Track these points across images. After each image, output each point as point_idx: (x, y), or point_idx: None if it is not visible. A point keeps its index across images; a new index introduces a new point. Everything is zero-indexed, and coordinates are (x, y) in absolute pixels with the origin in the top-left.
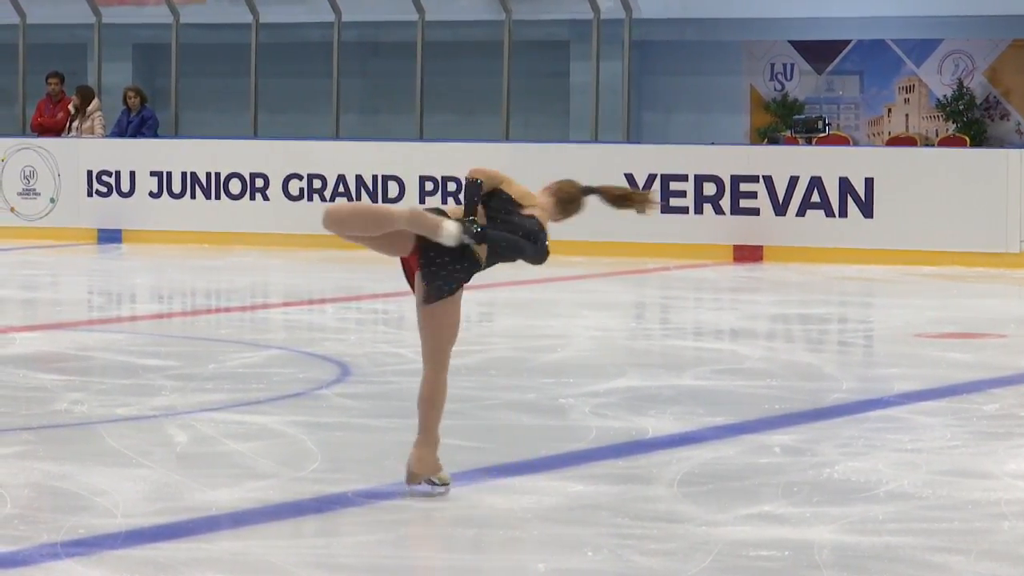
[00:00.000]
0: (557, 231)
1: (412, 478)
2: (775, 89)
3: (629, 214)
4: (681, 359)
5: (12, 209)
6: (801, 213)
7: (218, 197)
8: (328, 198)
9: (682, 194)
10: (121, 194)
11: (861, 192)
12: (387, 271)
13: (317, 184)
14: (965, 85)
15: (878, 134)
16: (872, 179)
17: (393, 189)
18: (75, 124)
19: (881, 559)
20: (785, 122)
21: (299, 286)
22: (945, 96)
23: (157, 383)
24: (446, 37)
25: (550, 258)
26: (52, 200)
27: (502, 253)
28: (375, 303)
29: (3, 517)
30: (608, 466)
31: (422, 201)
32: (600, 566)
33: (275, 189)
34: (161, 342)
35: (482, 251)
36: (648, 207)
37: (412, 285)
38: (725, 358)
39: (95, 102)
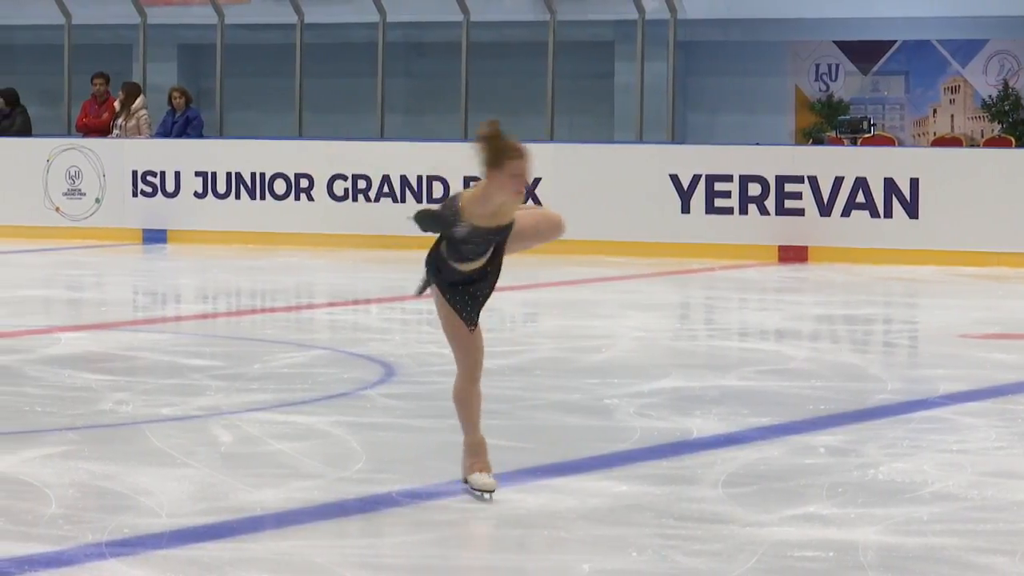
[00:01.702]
0: (601, 232)
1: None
2: (820, 89)
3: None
4: (726, 360)
5: (57, 209)
6: (846, 214)
7: (263, 197)
8: (373, 198)
9: (727, 195)
10: (166, 194)
11: (906, 193)
12: None
13: (362, 184)
14: (1011, 85)
15: (923, 134)
16: (917, 180)
17: (437, 189)
18: (119, 121)
19: (925, 560)
20: (830, 122)
21: (344, 286)
22: (990, 96)
23: (202, 383)
24: (491, 38)
25: (595, 258)
26: (97, 200)
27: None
28: (419, 303)
29: (48, 517)
30: (652, 466)
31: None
32: (644, 567)
33: (320, 189)
34: (206, 342)
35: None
36: None
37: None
38: (770, 359)
39: (140, 99)
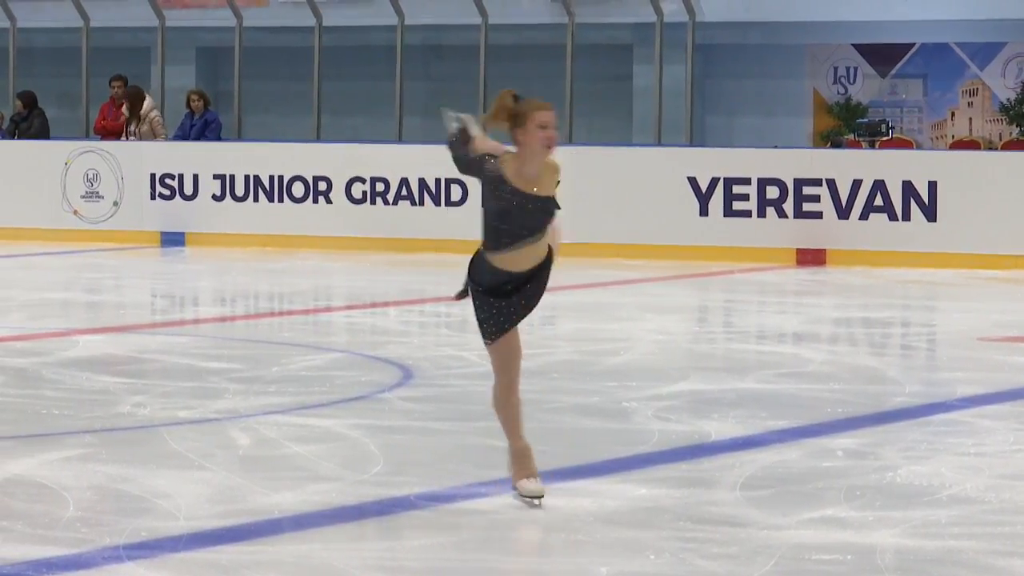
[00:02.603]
0: (619, 235)
1: None
2: (838, 92)
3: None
4: (744, 363)
5: (75, 212)
6: (864, 216)
7: (281, 200)
8: (391, 201)
9: (745, 197)
10: (184, 197)
11: (924, 196)
12: (450, 274)
13: (380, 187)
14: None
15: (941, 137)
16: (935, 183)
17: (456, 193)
18: (131, 128)
19: (944, 563)
20: (848, 125)
21: (362, 289)
22: (1009, 99)
23: (220, 386)
24: (509, 40)
25: (613, 261)
26: (115, 203)
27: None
28: (438, 306)
29: (66, 520)
30: (671, 469)
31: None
32: (662, 569)
33: (338, 192)
34: (224, 345)
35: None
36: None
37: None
38: (788, 362)
39: (147, 101)
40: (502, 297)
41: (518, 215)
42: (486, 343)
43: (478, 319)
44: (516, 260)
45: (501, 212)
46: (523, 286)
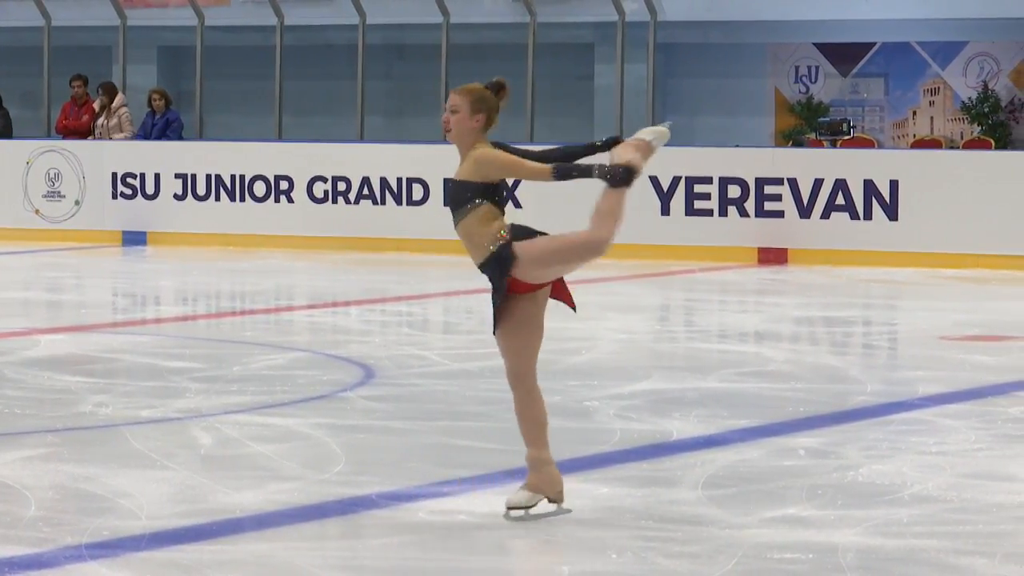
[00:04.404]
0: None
1: None
2: (800, 92)
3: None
4: (706, 362)
5: (37, 212)
6: (826, 215)
7: (243, 199)
8: (353, 200)
9: (707, 196)
10: (146, 196)
11: (886, 195)
12: (412, 273)
13: (342, 187)
14: (990, 87)
15: (903, 136)
16: (897, 182)
17: (418, 192)
18: (100, 122)
19: (905, 562)
20: (810, 124)
21: (323, 288)
22: (970, 98)
23: (182, 385)
24: (471, 40)
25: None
26: (77, 202)
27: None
28: (399, 305)
29: (27, 519)
30: (632, 468)
31: (445, 204)
32: (624, 568)
33: (299, 191)
34: (186, 344)
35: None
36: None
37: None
38: (749, 360)
39: (119, 97)
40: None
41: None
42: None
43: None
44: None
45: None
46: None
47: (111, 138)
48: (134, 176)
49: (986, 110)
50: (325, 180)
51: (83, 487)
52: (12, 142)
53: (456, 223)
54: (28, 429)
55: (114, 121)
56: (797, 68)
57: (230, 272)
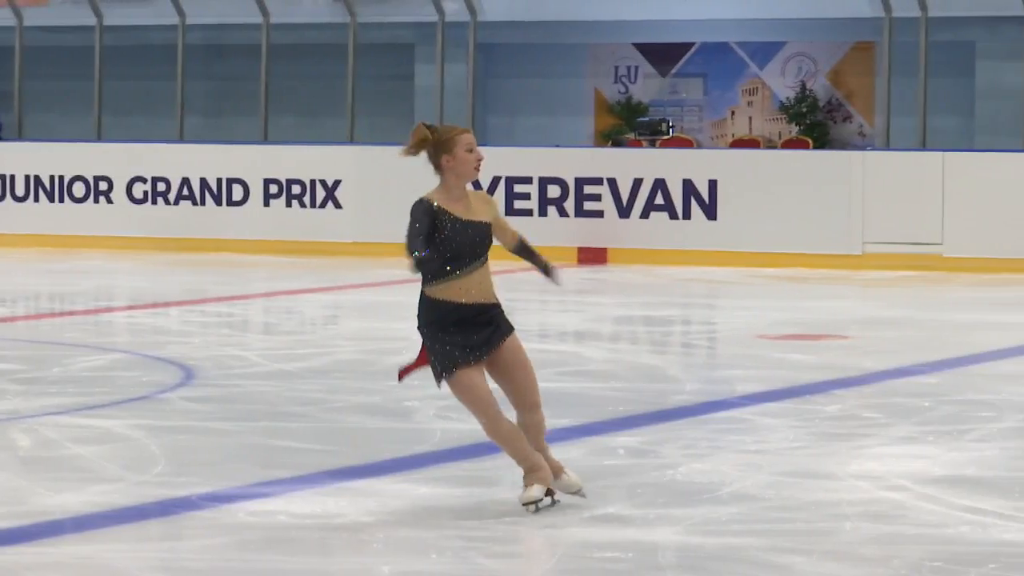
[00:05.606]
0: (402, 234)
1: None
2: (619, 92)
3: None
4: None
5: None
6: (645, 215)
7: (61, 200)
8: (172, 201)
9: (526, 196)
10: None
11: (705, 194)
12: (232, 273)
13: (161, 187)
14: (808, 87)
15: (722, 136)
16: (716, 181)
17: (237, 192)
18: None
19: (724, 560)
20: (629, 124)
21: (143, 289)
22: (788, 98)
23: (0, 387)
24: (291, 40)
25: (397, 260)
26: None
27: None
28: (220, 306)
29: None
30: (453, 468)
31: (266, 204)
32: (445, 568)
33: (119, 192)
34: (4, 346)
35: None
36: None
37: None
38: (569, 360)
39: None
40: (449, 330)
41: (464, 239)
42: (439, 383)
43: (431, 363)
44: (464, 287)
45: (445, 241)
46: (476, 318)
47: None
48: None
49: (804, 110)
50: (145, 180)
51: None
52: None
53: (481, 265)
54: None
55: None
56: (617, 68)
57: (49, 273)
